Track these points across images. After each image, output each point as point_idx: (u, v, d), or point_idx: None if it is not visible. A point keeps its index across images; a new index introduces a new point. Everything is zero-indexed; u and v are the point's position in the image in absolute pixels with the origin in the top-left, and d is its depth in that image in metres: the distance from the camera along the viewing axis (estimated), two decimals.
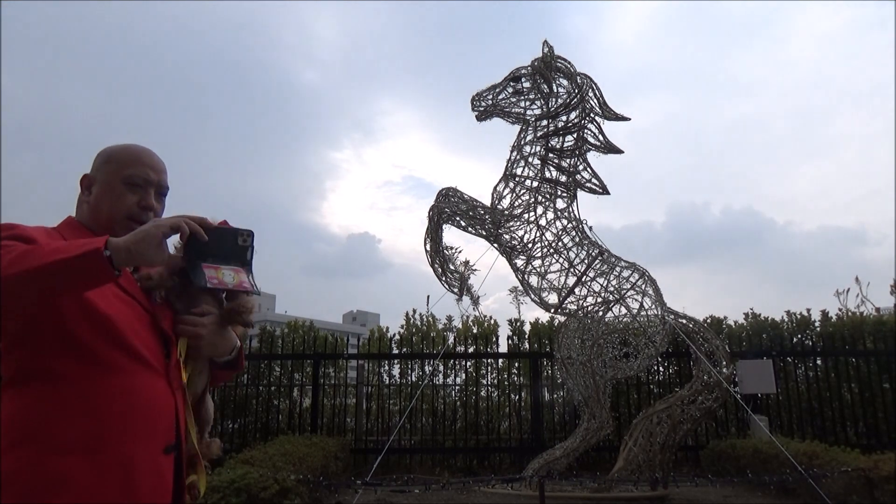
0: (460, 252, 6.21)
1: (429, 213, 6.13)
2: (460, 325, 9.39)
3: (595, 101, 5.99)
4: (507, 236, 6.00)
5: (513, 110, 6.16)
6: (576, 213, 6.07)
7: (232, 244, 1.43)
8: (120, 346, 1.27)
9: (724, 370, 5.83)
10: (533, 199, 5.97)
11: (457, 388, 8.63)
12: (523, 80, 6.12)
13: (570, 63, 6.08)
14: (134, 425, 1.25)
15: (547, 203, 6.00)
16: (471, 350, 8.62)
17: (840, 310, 9.28)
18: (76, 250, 1.10)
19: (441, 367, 8.58)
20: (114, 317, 1.27)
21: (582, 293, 5.90)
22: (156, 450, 1.29)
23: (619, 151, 6.01)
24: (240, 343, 1.59)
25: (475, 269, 6.14)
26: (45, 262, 1.09)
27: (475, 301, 6.12)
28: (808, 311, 8.94)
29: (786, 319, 8.93)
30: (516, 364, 8.57)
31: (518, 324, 8.89)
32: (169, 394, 1.35)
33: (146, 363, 1.31)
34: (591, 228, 6.09)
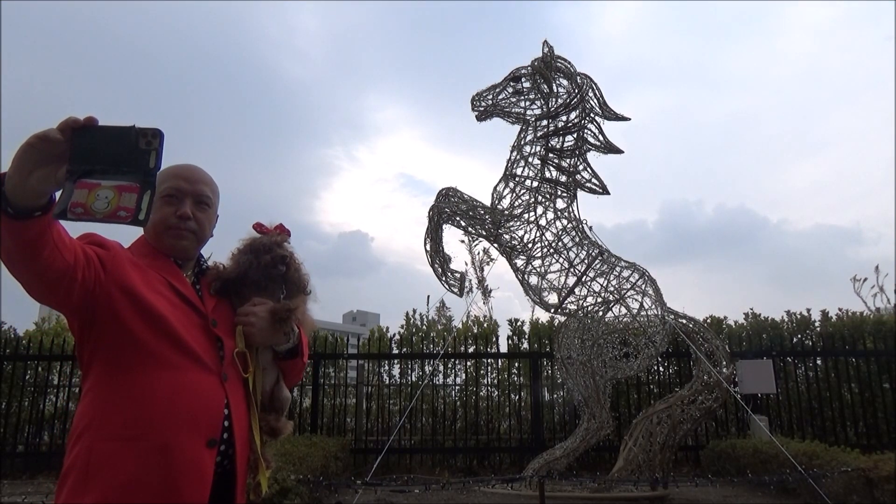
0: (479, 242, 6.21)
1: (429, 212, 6.13)
2: (460, 325, 9.39)
3: (595, 101, 5.99)
4: (507, 236, 6.00)
5: (513, 110, 6.16)
6: (576, 213, 6.08)
7: (129, 148, 1.04)
8: (171, 342, 1.37)
9: (724, 370, 5.83)
10: (533, 199, 5.97)
11: (457, 388, 8.64)
12: (523, 79, 6.11)
13: (570, 63, 6.07)
14: (176, 416, 1.32)
15: (547, 203, 6.00)
16: (471, 350, 8.62)
17: (840, 309, 9.29)
18: None
19: (441, 367, 8.58)
20: (167, 315, 1.38)
21: (582, 293, 5.90)
22: (197, 441, 1.35)
23: (619, 151, 6.01)
24: (299, 331, 1.64)
25: (493, 259, 6.11)
26: None
27: (486, 293, 6.11)
28: (808, 311, 8.98)
29: (786, 319, 8.95)
30: (516, 364, 8.57)
31: (518, 324, 8.89)
32: (219, 390, 1.42)
33: (197, 360, 1.40)
34: (591, 228, 6.11)
